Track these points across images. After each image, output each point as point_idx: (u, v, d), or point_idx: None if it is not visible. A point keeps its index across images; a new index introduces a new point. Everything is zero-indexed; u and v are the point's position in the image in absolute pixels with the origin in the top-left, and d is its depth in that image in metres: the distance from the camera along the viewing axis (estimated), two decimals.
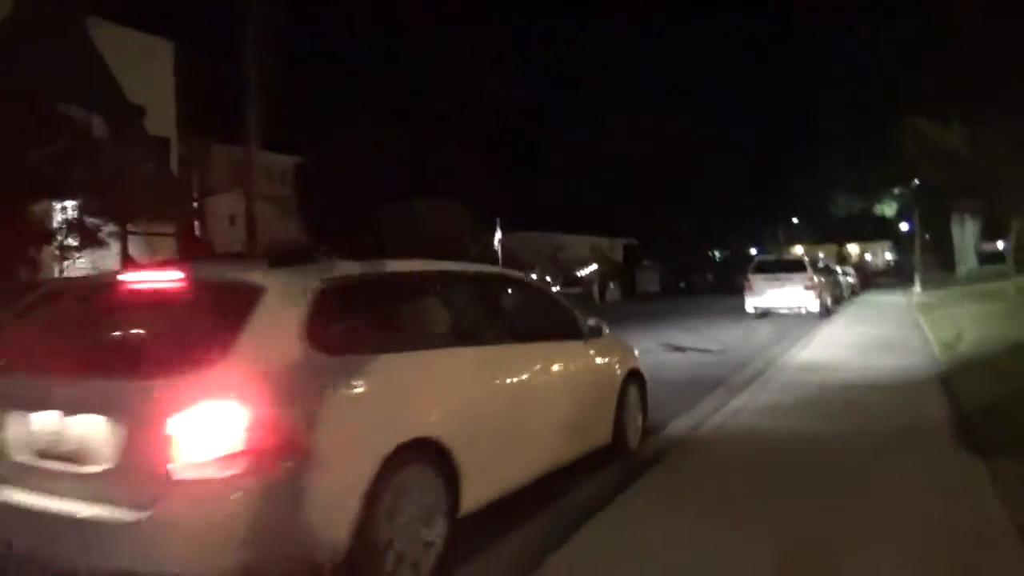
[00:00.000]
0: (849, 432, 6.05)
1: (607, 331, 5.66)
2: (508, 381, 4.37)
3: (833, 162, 27.72)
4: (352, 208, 32.95)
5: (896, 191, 28.59)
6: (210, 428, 2.80)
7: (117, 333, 3.64)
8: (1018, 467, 4.54)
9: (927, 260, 39.03)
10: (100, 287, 3.85)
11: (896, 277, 48.22)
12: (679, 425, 6.49)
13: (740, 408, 7.07)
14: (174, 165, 27.18)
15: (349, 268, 3.74)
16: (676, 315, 20.35)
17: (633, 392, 5.77)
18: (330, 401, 3.17)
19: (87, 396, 3.01)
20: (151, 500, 2.75)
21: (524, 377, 4.51)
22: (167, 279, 3.42)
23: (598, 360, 5.52)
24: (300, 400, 3.05)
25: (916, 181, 25.80)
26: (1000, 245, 30.26)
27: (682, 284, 52.43)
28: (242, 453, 2.81)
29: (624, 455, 5.48)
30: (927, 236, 40.53)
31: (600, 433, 5.30)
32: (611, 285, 39.34)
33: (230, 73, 18.24)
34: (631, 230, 62.37)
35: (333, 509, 3.06)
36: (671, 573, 3.43)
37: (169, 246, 24.93)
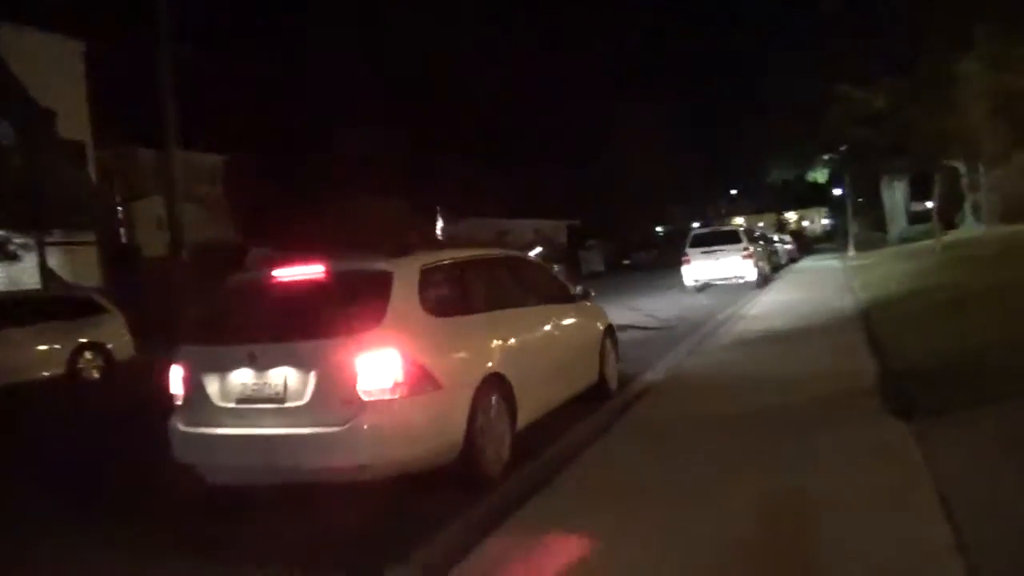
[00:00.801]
0: (786, 374, 6.95)
1: (593, 295, 7.48)
2: (537, 332, 6.06)
3: (766, 131, 28.09)
4: (286, 204, 32.09)
5: (827, 157, 29.11)
6: (378, 368, 4.27)
7: (291, 310, 4.80)
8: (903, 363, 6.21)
9: (861, 223, 40.02)
10: (267, 281, 4.98)
11: (833, 242, 49.40)
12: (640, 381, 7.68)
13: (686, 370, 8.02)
14: (93, 171, 26.02)
15: (433, 256, 5.17)
16: (620, 293, 20.29)
17: (609, 343, 7.35)
18: (443, 349, 4.73)
19: (280, 355, 4.40)
20: (346, 418, 4.20)
21: (546, 329, 6.23)
22: (320, 271, 4.72)
23: (586, 317, 7.15)
24: (433, 346, 4.63)
25: (844, 147, 26.29)
26: (928, 204, 31.16)
27: (626, 262, 52.67)
28: (399, 384, 4.28)
29: (605, 393, 6.98)
30: (860, 200, 41.55)
31: (590, 374, 6.84)
32: (555, 267, 39.16)
33: (148, 72, 17.39)
34: (575, 211, 62.38)
35: (456, 419, 4.56)
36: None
37: (90, 255, 23.86)
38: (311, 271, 4.76)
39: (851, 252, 31.31)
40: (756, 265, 20.16)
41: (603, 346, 7.14)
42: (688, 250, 20.48)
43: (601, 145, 62.20)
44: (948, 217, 30.83)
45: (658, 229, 71.22)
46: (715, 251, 19.92)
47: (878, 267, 20.05)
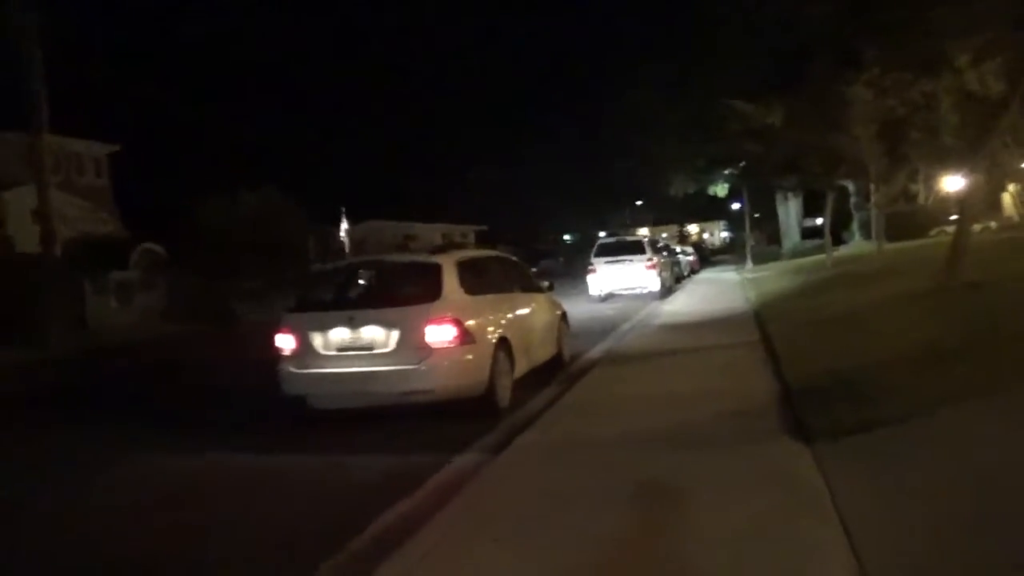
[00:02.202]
0: (683, 391, 6.52)
1: (552, 287, 9.79)
2: (523, 312, 8.19)
3: (667, 144, 28.68)
4: (175, 198, 30.32)
5: (725, 172, 30.00)
6: (440, 326, 6.39)
7: (375, 287, 7.73)
8: (800, 379, 6.55)
9: (758, 237, 41.58)
10: (359, 265, 8.23)
11: (731, 254, 51.12)
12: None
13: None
14: None
15: (461, 254, 7.52)
16: None
17: (563, 325, 9.58)
18: (475, 316, 6.80)
19: (371, 318, 6.54)
20: (420, 359, 6.35)
21: (528, 310, 8.38)
22: (396, 261, 8.01)
23: (550, 304, 9.36)
24: (470, 315, 6.71)
25: (743, 163, 27.12)
26: (819, 220, 32.61)
27: (534, 269, 52.76)
28: (454, 338, 6.42)
29: (560, 363, 9.12)
30: (756, 215, 43.17)
31: (552, 347, 8.96)
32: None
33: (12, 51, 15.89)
34: (483, 218, 62.18)
35: (484, 364, 6.68)
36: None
37: None
38: (386, 261, 8.08)
39: (749, 265, 32.37)
40: (659, 276, 20.43)
41: (560, 327, 9.40)
42: (593, 259, 20.54)
43: (510, 153, 62.35)
44: (838, 233, 32.37)
45: (566, 237, 72.00)
46: (620, 261, 20.04)
47: (774, 280, 20.67)
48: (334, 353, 6.61)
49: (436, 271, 6.78)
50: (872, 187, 19.74)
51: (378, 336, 6.48)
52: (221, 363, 13.20)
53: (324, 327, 6.63)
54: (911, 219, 33.99)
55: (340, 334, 6.58)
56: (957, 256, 9.96)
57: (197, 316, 22.42)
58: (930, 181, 35.67)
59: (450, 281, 6.76)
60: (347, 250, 45.60)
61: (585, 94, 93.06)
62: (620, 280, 20.01)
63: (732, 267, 34.85)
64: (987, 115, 14.84)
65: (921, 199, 38.22)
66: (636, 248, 20.44)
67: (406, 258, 7.53)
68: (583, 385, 7.81)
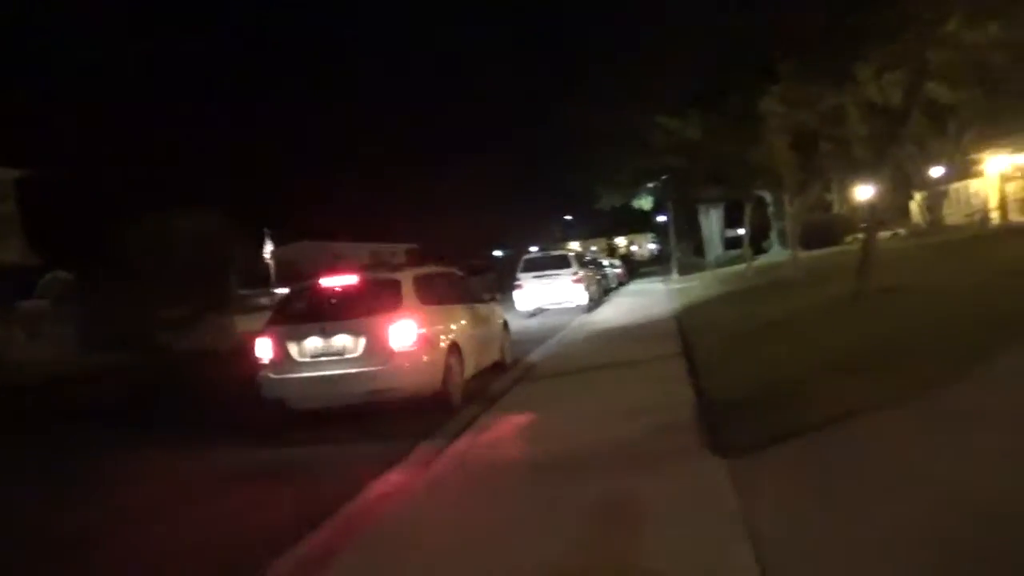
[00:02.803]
0: (604, 407, 6.29)
1: (496, 299, 11.49)
2: (470, 320, 9.11)
3: (593, 159, 29.04)
4: (93, 224, 28.82)
5: (650, 185, 30.57)
6: (401, 333, 7.33)
7: (343, 301, 7.88)
8: (721, 392, 6.45)
9: (683, 248, 42.44)
10: (326, 285, 8.16)
11: (659, 265, 52.04)
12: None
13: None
14: None
15: (417, 270, 8.58)
16: None
17: (505, 333, 10.80)
18: (431, 324, 7.77)
19: (340, 327, 7.40)
20: (384, 361, 7.27)
21: (475, 319, 9.32)
22: (360, 279, 8.11)
23: (493, 314, 10.48)
24: (426, 323, 7.65)
25: (665, 175, 27.65)
26: (740, 231, 33.51)
27: None
28: (412, 342, 7.36)
29: (503, 367, 10.18)
30: (682, 227, 44.10)
31: (496, 353, 10.10)
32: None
33: None
34: (415, 235, 61.68)
35: (438, 365, 7.63)
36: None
37: None
38: (351, 279, 8.12)
39: (675, 275, 32.94)
40: (586, 289, 20.48)
41: (502, 335, 10.62)
42: (520, 275, 20.45)
43: (439, 170, 62.16)
44: (757, 243, 33.34)
45: (497, 253, 72.04)
46: (546, 276, 20.02)
47: (698, 291, 21.01)
48: (309, 359, 7.51)
49: (396, 285, 7.85)
50: (787, 198, 20.34)
51: (348, 343, 7.41)
52: (164, 398, 12.55)
53: (300, 337, 7.53)
54: (827, 228, 35.34)
55: (314, 343, 7.50)
56: (868, 263, 10.25)
57: (118, 347, 21.30)
58: (843, 191, 37.32)
59: (408, 294, 7.79)
60: (272, 273, 44.38)
61: (517, 111, 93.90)
62: (547, 295, 19.97)
63: (659, 278, 35.41)
64: (892, 126, 15.47)
65: (836, 208, 39.95)
66: (562, 263, 20.44)
67: (370, 275, 8.26)
68: (502, 405, 7.63)
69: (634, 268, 52.03)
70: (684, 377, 7.77)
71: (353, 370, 7.30)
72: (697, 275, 31.27)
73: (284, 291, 40.26)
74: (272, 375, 7.59)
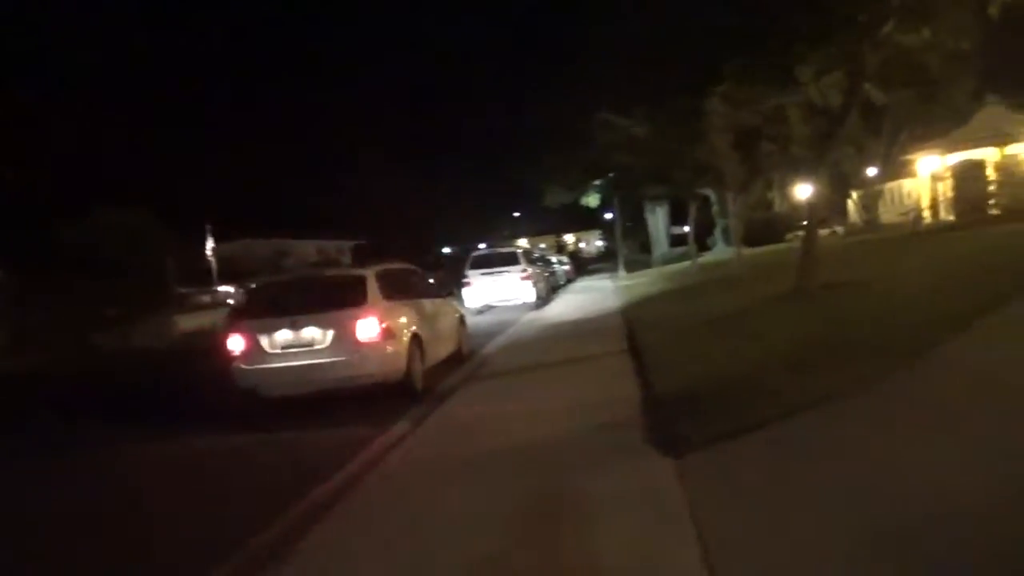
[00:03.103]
0: (551, 404, 6.04)
1: (452, 294, 12.48)
2: (430, 313, 9.70)
3: (541, 156, 29.10)
4: (24, 221, 27.54)
5: (597, 183, 30.78)
6: (367, 326, 7.86)
7: (311, 295, 8.45)
8: (666, 388, 6.19)
9: (629, 245, 42.89)
10: (296, 278, 9.86)
11: (606, 262, 52.48)
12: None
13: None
14: None
15: (380, 266, 9.03)
16: None
17: (462, 327, 11.31)
18: (394, 317, 8.29)
19: (309, 320, 7.90)
20: (351, 351, 7.83)
21: (434, 313, 9.89)
22: (329, 272, 10.54)
23: (451, 308, 11.18)
24: (389, 316, 8.16)
25: (611, 173, 27.86)
26: (686, 229, 34.03)
27: None
28: (377, 334, 7.88)
29: (460, 358, 10.72)
30: (628, 224, 44.55)
31: (454, 345, 10.65)
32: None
33: None
34: (361, 231, 60.88)
35: (402, 355, 8.14)
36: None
37: None
38: (320, 274, 9.94)
39: (621, 272, 33.24)
40: (535, 286, 20.49)
41: (460, 328, 11.18)
42: (468, 272, 20.33)
43: (384, 165, 61.42)
44: (702, 240, 33.90)
45: (445, 250, 71.68)
46: (495, 273, 19.96)
47: (645, 287, 21.22)
48: (279, 351, 7.99)
49: (361, 281, 8.30)
50: (731, 196, 20.70)
51: (316, 335, 7.93)
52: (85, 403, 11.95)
53: (270, 330, 8.00)
54: (768, 225, 36.20)
55: (284, 335, 7.98)
56: (809, 260, 10.46)
57: (47, 348, 20.42)
58: (784, 189, 38.26)
59: (372, 289, 8.25)
60: (214, 270, 43.23)
61: (466, 108, 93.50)
62: (495, 292, 19.90)
63: (607, 275, 35.69)
64: (831, 126, 15.85)
65: (776, 206, 40.95)
66: (510, 260, 20.40)
67: (336, 271, 9.78)
68: (451, 404, 7.55)
69: (582, 265, 52.41)
70: (630, 373, 7.79)
71: (322, 360, 7.86)
72: (644, 272, 31.63)
73: (226, 288, 39.28)
74: (244, 366, 8.07)
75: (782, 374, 5.97)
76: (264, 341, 7.98)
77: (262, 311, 8.37)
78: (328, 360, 7.83)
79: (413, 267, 10.99)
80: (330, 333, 7.86)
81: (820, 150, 12.30)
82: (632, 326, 11.76)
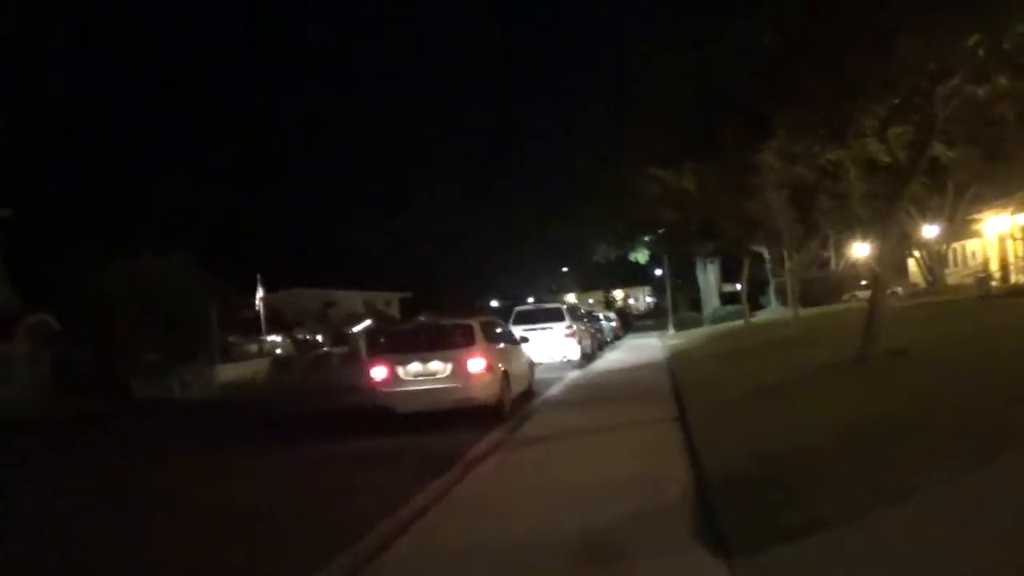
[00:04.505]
0: (589, 482, 5.30)
1: (526, 343, 15.22)
2: (514, 355, 12.74)
3: (589, 211, 28.75)
4: (74, 266, 28.12)
5: (646, 238, 30.20)
6: (476, 361, 10.82)
7: (435, 338, 11.34)
8: (721, 469, 5.07)
9: (680, 302, 41.91)
10: (421, 325, 12.77)
11: (655, 319, 51.42)
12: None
13: None
14: None
15: (483, 318, 12.56)
16: None
17: (531, 369, 14.11)
18: (493, 356, 11.18)
19: (434, 356, 10.89)
20: (465, 380, 10.75)
21: (515, 355, 12.92)
22: (444, 322, 12.08)
23: (524, 353, 13.93)
24: (489, 355, 11.06)
25: (660, 229, 27.29)
26: (737, 287, 33.03)
27: None
28: (483, 367, 10.83)
29: (531, 395, 13.34)
30: (678, 280, 43.65)
31: (527, 383, 13.49)
32: (382, 341, 37.36)
33: None
34: (409, 284, 61.23)
35: (497, 384, 11.07)
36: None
37: None
38: (440, 322, 11.98)
39: (671, 330, 32.31)
40: (579, 343, 19.83)
41: (530, 370, 13.96)
42: (512, 327, 19.82)
43: (435, 221, 62.08)
44: (754, 299, 32.83)
45: (493, 303, 71.45)
46: (538, 329, 19.38)
47: (695, 347, 20.36)
48: (411, 378, 10.79)
49: (470, 327, 11.18)
50: (786, 253, 19.89)
51: (438, 367, 10.72)
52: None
53: (405, 362, 10.83)
54: (823, 285, 34.89)
55: (415, 367, 10.81)
56: (874, 324, 9.64)
57: (86, 392, 20.50)
58: (840, 248, 37.01)
59: (479, 334, 11.03)
60: (262, 319, 43.62)
61: (518, 160, 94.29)
62: (538, 349, 19.28)
63: (655, 332, 34.79)
64: (894, 183, 14.99)
65: (832, 265, 39.62)
66: (555, 315, 19.82)
67: (449, 320, 11.91)
68: (480, 474, 6.92)
69: (630, 321, 51.42)
70: (678, 448, 7.08)
71: (442, 386, 10.66)
72: (694, 331, 30.65)
73: (274, 338, 39.19)
74: (384, 389, 10.89)
75: (848, 458, 5.23)
76: (400, 370, 10.83)
77: (396, 348, 11.45)
78: (446, 386, 10.62)
79: (500, 321, 14.09)
80: (449, 366, 10.67)
81: (886, 208, 11.52)
82: (681, 391, 11.01)
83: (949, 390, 7.01)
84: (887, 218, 11.19)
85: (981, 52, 8.81)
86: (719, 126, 17.04)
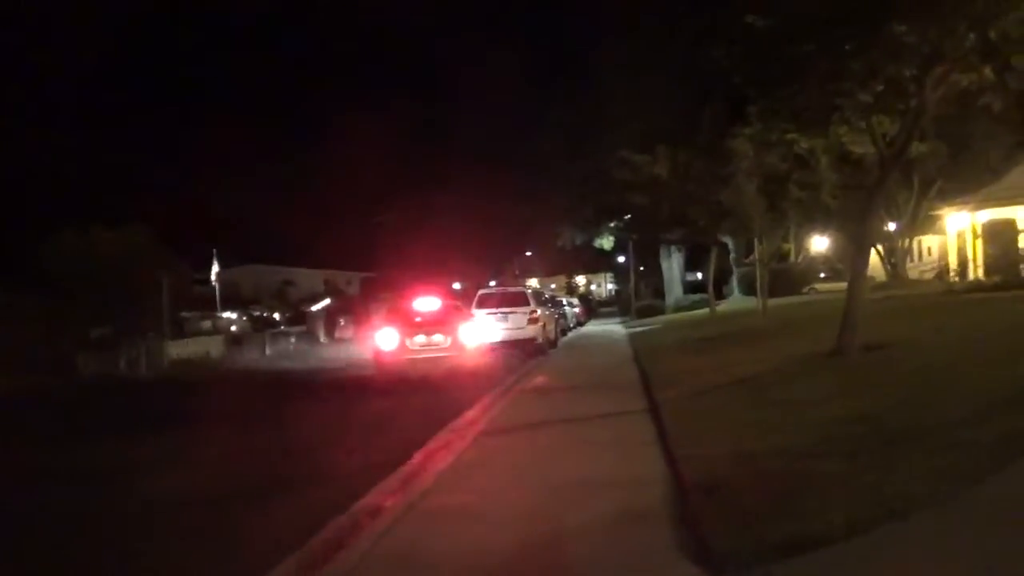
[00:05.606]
0: (552, 484, 4.62)
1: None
2: (547, 314, 21.46)
3: (555, 194, 28.27)
4: (18, 239, 26.79)
5: (612, 224, 29.87)
6: (467, 332, 14.94)
7: (437, 313, 15.44)
8: (700, 471, 4.44)
9: (642, 290, 41.81)
10: (420, 301, 16.07)
11: (617, 306, 51.37)
12: None
13: None
14: None
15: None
16: None
17: (551, 326, 21.83)
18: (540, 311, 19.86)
19: (436, 329, 14.59)
20: (461, 349, 14.55)
21: (547, 313, 21.69)
22: (442, 300, 16.46)
23: (549, 313, 22.19)
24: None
25: (628, 215, 26.97)
26: (699, 275, 32.97)
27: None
28: (473, 339, 15.12)
29: (555, 343, 21.32)
30: (642, 268, 43.53)
31: (553, 335, 21.47)
32: (341, 321, 36.65)
33: None
34: (370, 264, 60.18)
35: (548, 328, 20.81)
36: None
37: None
38: (440, 300, 16.13)
39: (634, 318, 32.13)
40: (543, 328, 19.44)
41: (551, 326, 21.00)
42: (474, 311, 19.30)
43: (398, 201, 60.99)
44: (718, 288, 32.80)
45: (455, 286, 70.72)
46: (502, 313, 18.92)
47: (660, 335, 20.11)
48: (417, 347, 14.08)
49: (459, 307, 16.12)
50: (756, 241, 19.67)
51: (441, 339, 14.16)
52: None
53: (411, 334, 14.17)
54: (786, 276, 35.00)
55: (421, 337, 14.17)
56: (851, 318, 9.34)
57: (31, 369, 19.56)
58: (800, 240, 37.20)
59: (470, 309, 15.68)
60: (217, 295, 42.36)
61: (478, 143, 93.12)
62: (501, 333, 18.83)
63: (618, 319, 34.63)
64: (862, 175, 14.71)
65: (792, 258, 39.84)
66: (519, 300, 19.38)
67: (451, 299, 16.63)
68: (438, 477, 6.39)
69: (593, 308, 51.28)
70: (651, 443, 6.65)
71: (443, 353, 13.96)
72: (656, 319, 30.50)
73: (229, 315, 38.30)
74: (391, 357, 14.00)
75: (836, 461, 4.81)
76: (407, 340, 14.09)
77: (403, 322, 14.68)
78: (447, 354, 13.96)
79: (539, 290, 19.54)
80: (449, 338, 14.19)
81: (866, 199, 11.21)
82: (650, 381, 10.63)
83: (932, 386, 6.70)
84: (867, 209, 10.92)
85: (970, 39, 8.50)
86: (695, 111, 16.67)
